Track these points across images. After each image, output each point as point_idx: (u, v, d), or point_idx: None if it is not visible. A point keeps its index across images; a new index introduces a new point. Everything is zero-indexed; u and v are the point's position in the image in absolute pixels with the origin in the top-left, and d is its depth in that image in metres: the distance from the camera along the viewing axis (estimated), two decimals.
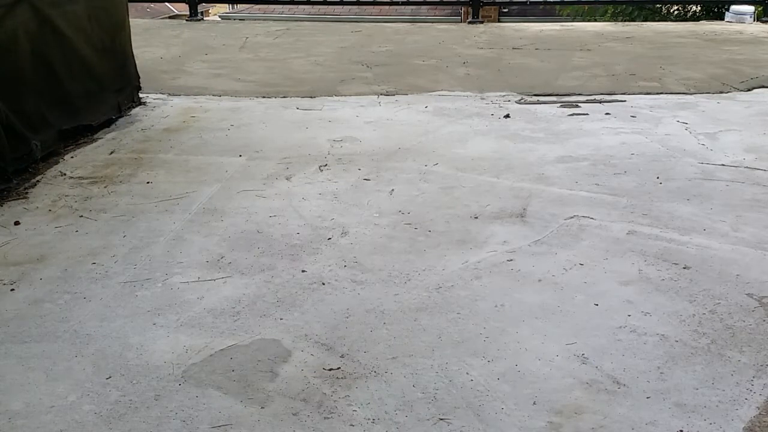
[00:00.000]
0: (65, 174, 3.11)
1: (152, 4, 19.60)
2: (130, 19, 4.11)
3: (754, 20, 7.25)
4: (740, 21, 7.12)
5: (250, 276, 2.24)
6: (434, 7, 13.70)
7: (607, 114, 3.93)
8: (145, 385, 1.73)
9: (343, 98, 4.33)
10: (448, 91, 4.52)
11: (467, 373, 1.75)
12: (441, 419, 1.60)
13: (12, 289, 2.18)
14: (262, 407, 1.65)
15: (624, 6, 12.25)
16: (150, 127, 3.72)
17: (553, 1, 10.86)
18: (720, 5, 9.08)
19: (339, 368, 1.78)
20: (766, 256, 2.31)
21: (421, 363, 1.80)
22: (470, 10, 7.59)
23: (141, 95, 4.20)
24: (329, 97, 4.36)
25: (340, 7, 11.51)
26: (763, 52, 5.63)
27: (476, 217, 2.61)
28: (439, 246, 2.41)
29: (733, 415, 1.60)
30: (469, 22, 7.30)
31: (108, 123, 3.75)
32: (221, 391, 1.70)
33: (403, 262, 2.31)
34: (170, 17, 16.30)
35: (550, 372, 1.75)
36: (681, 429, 1.56)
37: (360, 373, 1.76)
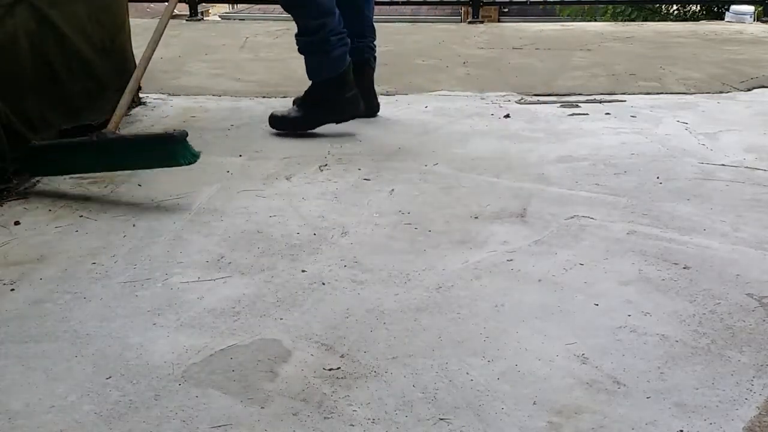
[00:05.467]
0: None
1: (152, 4, 19.55)
2: (130, 19, 4.10)
3: (754, 20, 7.26)
4: (740, 21, 7.13)
5: (250, 276, 2.24)
6: (434, 7, 13.71)
7: (607, 114, 3.94)
8: (145, 385, 1.72)
9: None
10: (448, 91, 4.52)
11: (467, 373, 1.75)
12: (441, 419, 1.60)
13: (12, 289, 2.18)
14: (262, 407, 1.65)
15: (624, 6, 12.24)
16: (150, 126, 3.72)
17: (553, 1, 10.85)
18: (720, 5, 9.08)
19: (339, 368, 1.78)
20: (766, 256, 2.31)
21: (421, 363, 1.80)
22: (470, 10, 7.59)
23: (141, 95, 4.20)
24: None
25: None
26: (763, 52, 5.63)
27: (476, 217, 2.61)
28: (439, 246, 2.41)
29: (733, 415, 1.60)
30: (469, 22, 7.30)
31: (108, 123, 3.74)
32: (221, 391, 1.70)
33: (403, 262, 2.31)
34: (170, 17, 16.25)
35: (550, 372, 1.75)
36: (681, 429, 1.56)
37: (360, 373, 1.76)
